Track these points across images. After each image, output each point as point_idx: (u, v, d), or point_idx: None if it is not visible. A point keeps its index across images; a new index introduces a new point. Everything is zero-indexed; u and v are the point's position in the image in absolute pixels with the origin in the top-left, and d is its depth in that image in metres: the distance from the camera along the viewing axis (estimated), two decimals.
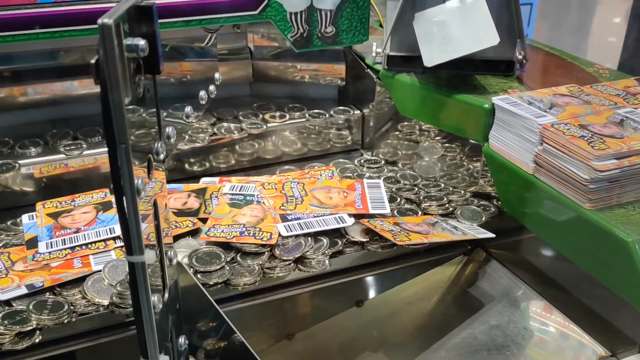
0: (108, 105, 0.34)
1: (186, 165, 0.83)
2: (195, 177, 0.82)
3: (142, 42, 0.35)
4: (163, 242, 0.44)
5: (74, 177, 0.77)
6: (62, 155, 0.76)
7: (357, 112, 0.90)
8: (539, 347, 0.63)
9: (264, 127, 0.85)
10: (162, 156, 0.42)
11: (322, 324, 0.67)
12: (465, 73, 0.77)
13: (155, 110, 0.42)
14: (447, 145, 0.86)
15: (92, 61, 0.34)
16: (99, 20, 0.32)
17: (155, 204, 0.42)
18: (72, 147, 0.77)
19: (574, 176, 0.57)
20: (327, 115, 0.88)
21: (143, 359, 0.42)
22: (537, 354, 0.62)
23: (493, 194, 0.74)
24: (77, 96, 0.84)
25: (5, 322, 0.53)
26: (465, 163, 0.82)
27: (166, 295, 0.45)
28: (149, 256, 0.39)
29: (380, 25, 0.98)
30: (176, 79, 0.86)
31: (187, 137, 0.81)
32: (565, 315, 0.64)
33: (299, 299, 0.66)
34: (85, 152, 0.77)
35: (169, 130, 0.44)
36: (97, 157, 0.77)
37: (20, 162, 0.74)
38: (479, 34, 0.70)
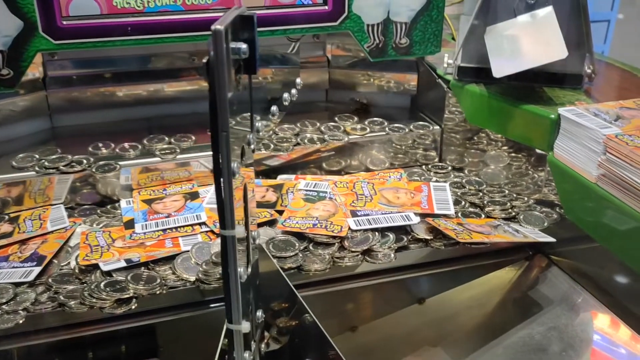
0: (215, 97, 0.40)
1: None
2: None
3: (244, 46, 0.41)
4: (250, 225, 0.50)
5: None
6: (158, 159, 0.80)
7: (437, 127, 0.90)
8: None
9: (345, 138, 0.87)
10: (253, 146, 0.48)
11: (384, 319, 0.70)
12: (533, 85, 0.80)
13: (249, 106, 0.48)
14: (513, 154, 0.88)
15: (204, 60, 0.40)
16: (213, 27, 0.38)
17: (245, 189, 0.48)
18: (166, 151, 0.81)
19: (636, 185, 0.59)
20: (407, 130, 0.89)
21: (228, 324, 0.48)
22: None
23: (556, 202, 0.77)
24: (170, 96, 0.92)
25: (107, 289, 0.61)
26: (530, 172, 0.84)
27: (249, 270, 0.51)
28: (239, 231, 0.45)
29: (453, 38, 1.02)
30: (261, 82, 0.93)
31: (272, 145, 0.85)
32: (631, 328, 0.64)
33: (365, 291, 0.71)
34: (178, 157, 0.81)
35: (259, 124, 0.50)
36: (189, 160, 0.81)
37: (121, 163, 0.79)
38: (548, 47, 0.73)
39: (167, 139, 0.85)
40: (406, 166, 0.91)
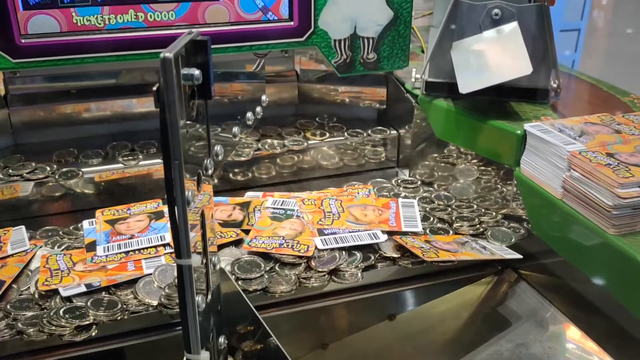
0: (166, 126, 0.39)
1: (231, 175, 0.89)
2: (239, 188, 0.88)
3: (196, 72, 0.40)
4: (208, 249, 0.49)
5: (130, 184, 0.84)
6: (121, 165, 0.83)
7: (394, 132, 0.95)
8: None
9: (305, 143, 0.90)
10: (210, 172, 0.47)
11: (355, 336, 0.70)
12: (500, 100, 0.80)
13: (206, 130, 0.47)
14: (482, 168, 0.88)
15: (154, 88, 0.39)
16: (161, 54, 0.37)
17: (202, 215, 0.47)
18: (129, 157, 0.84)
19: (599, 202, 0.59)
20: (365, 135, 0.94)
21: (187, 354, 0.47)
22: None
23: (524, 217, 0.77)
24: (136, 113, 0.91)
25: (67, 316, 0.59)
26: (499, 186, 0.85)
27: (209, 297, 0.50)
28: (195, 260, 0.44)
29: (422, 51, 1.02)
30: (227, 99, 0.93)
31: (233, 151, 0.87)
32: (597, 342, 0.65)
33: (334, 310, 0.70)
34: (141, 163, 0.84)
35: (217, 148, 0.50)
36: (151, 167, 0.84)
37: (84, 170, 0.82)
38: (513, 63, 0.73)
39: (130, 145, 0.88)
40: (362, 170, 0.94)
